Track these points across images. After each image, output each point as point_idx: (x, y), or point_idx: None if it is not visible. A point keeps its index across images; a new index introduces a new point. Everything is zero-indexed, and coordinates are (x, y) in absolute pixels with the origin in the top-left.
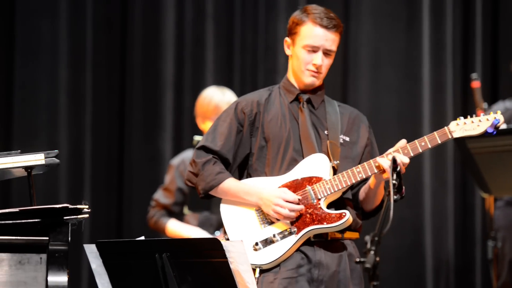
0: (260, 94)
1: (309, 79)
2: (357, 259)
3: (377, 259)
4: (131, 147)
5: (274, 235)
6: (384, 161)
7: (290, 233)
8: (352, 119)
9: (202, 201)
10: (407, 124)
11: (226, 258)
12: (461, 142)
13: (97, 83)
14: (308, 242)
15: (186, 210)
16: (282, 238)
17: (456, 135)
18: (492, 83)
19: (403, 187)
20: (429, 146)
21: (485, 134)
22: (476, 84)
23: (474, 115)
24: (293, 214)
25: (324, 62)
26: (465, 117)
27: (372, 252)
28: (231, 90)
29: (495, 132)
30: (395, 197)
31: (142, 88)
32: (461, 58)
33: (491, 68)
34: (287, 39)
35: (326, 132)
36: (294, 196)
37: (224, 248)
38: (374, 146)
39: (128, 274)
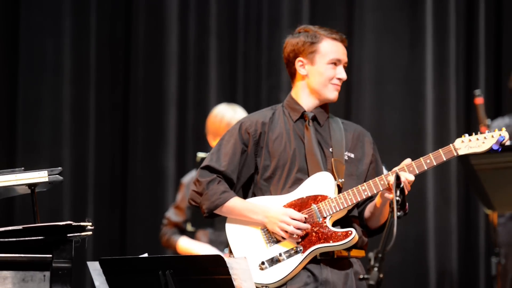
0: (264, 114)
1: (333, 94)
2: (361, 276)
3: (381, 275)
4: (134, 163)
5: (280, 254)
6: (389, 178)
7: (296, 252)
8: (357, 136)
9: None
10: (410, 140)
11: (230, 275)
12: (464, 159)
13: (100, 100)
14: (314, 260)
15: (189, 227)
16: (288, 257)
17: (461, 152)
18: (495, 100)
19: (407, 204)
20: (435, 164)
21: (490, 151)
22: (479, 100)
23: (479, 132)
24: (299, 232)
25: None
26: (470, 134)
27: (375, 269)
28: (242, 107)
29: (500, 149)
30: (398, 213)
31: (146, 105)
32: (464, 75)
33: (495, 84)
34: (301, 59)
35: (330, 149)
36: (300, 215)
37: (228, 265)
38: (379, 163)
39: None
